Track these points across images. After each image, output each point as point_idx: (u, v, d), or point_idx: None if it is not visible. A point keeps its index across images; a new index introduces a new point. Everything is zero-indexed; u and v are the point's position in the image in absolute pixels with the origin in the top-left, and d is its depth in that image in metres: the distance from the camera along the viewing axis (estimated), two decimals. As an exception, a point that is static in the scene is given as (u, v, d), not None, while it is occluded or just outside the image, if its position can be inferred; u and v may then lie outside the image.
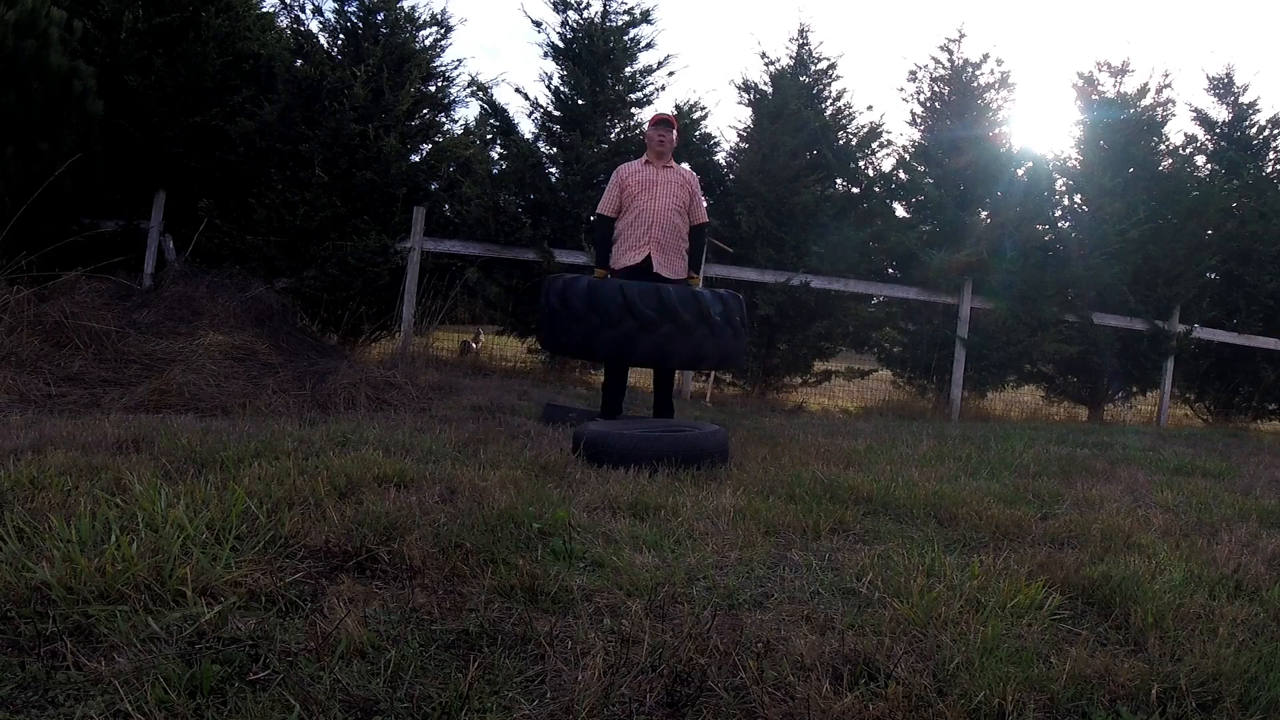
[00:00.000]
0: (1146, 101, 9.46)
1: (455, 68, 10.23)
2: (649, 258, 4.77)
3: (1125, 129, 9.20)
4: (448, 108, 8.57)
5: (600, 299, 4.27)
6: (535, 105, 8.36)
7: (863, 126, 8.58)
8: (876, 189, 8.52)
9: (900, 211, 8.81)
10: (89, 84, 5.90)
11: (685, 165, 5.21)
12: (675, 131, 4.94)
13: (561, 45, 8.27)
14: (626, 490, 2.57)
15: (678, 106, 8.13)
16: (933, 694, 1.32)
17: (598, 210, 4.97)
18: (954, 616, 1.64)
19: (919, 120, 9.43)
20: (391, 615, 1.50)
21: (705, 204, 5.08)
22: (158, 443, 2.78)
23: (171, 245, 7.21)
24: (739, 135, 8.81)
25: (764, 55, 9.05)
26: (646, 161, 4.88)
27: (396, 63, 7.76)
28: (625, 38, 8.30)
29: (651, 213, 4.79)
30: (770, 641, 1.47)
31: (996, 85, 9.13)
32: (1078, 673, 1.42)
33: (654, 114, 5.08)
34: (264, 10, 8.54)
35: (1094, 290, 8.27)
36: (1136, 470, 4.07)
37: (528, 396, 5.63)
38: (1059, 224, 9.28)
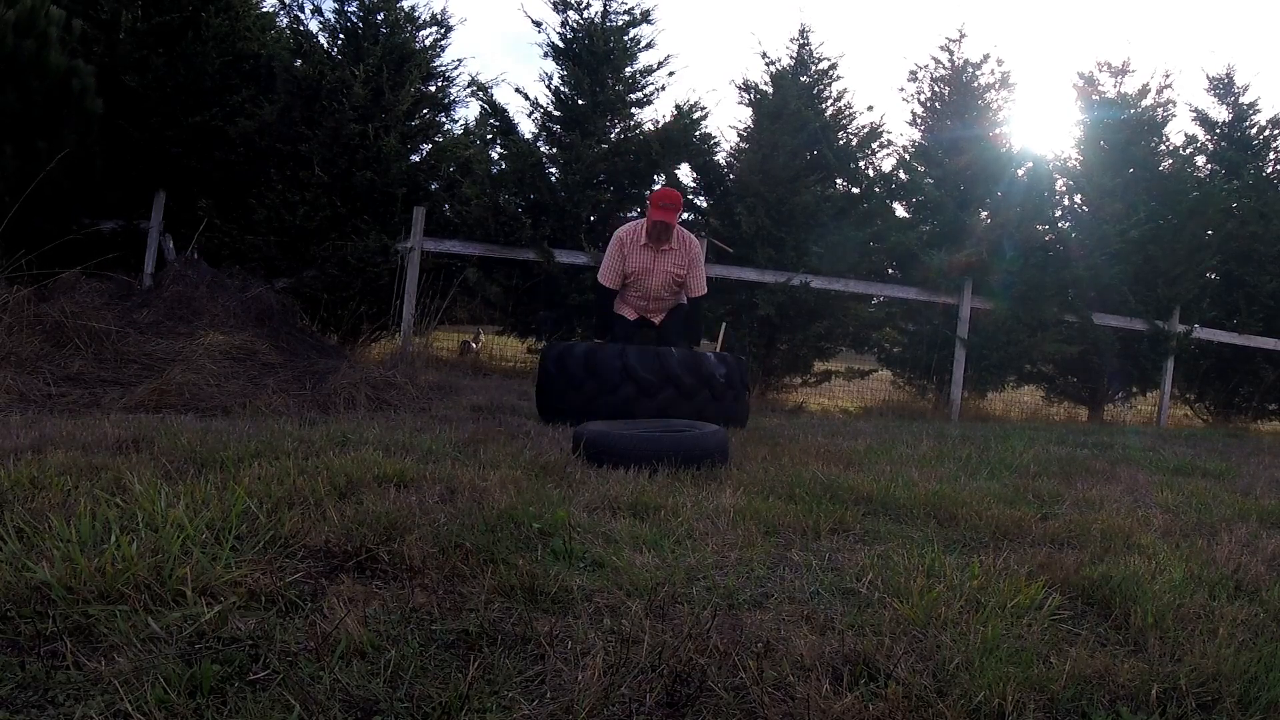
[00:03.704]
0: (1147, 102, 9.47)
1: (455, 68, 10.25)
2: (642, 318, 5.05)
3: (1125, 129, 9.20)
4: (448, 108, 8.58)
5: (599, 364, 4.28)
6: (535, 105, 8.38)
7: (863, 127, 8.59)
8: (877, 189, 8.52)
9: (900, 211, 8.82)
10: (88, 83, 5.90)
11: (686, 233, 4.98)
12: (679, 213, 4.80)
13: (561, 45, 8.28)
14: (626, 490, 2.56)
15: (678, 106, 8.14)
16: (933, 694, 1.32)
17: (600, 279, 4.98)
18: (954, 616, 1.64)
19: (919, 120, 9.44)
20: (391, 615, 1.50)
21: (705, 275, 5.11)
22: (158, 443, 2.78)
23: (171, 245, 7.21)
24: (739, 135, 8.82)
25: (764, 55, 9.07)
26: (645, 245, 4.80)
27: (396, 63, 7.77)
28: (625, 38, 8.31)
29: (647, 296, 4.97)
30: (770, 641, 1.47)
31: (997, 85, 9.15)
32: (1078, 673, 1.42)
33: (657, 191, 4.89)
34: (264, 10, 8.56)
35: (1094, 290, 8.27)
36: (1136, 470, 4.07)
37: (528, 396, 5.62)
38: (1059, 224, 9.29)
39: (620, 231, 4.91)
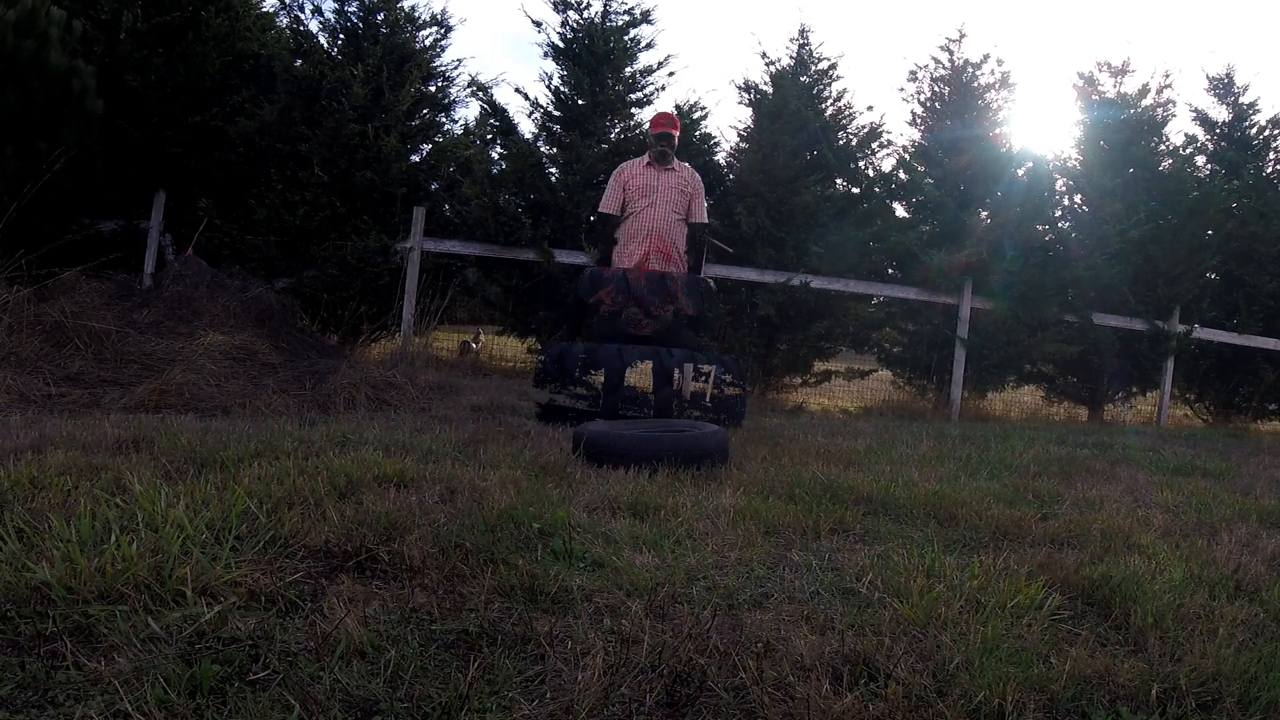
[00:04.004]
0: (1147, 102, 9.46)
1: (455, 68, 10.24)
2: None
3: (1125, 129, 9.20)
4: (448, 108, 8.58)
5: (598, 364, 4.29)
6: (535, 105, 8.38)
7: (863, 127, 8.59)
8: (877, 189, 8.52)
9: (900, 211, 8.81)
10: (88, 83, 5.90)
11: (688, 165, 5.14)
12: (678, 133, 4.90)
13: (561, 45, 8.28)
14: (626, 490, 2.56)
15: (678, 106, 8.13)
16: (933, 694, 1.32)
17: (600, 209, 4.98)
18: (954, 616, 1.64)
19: (919, 120, 9.44)
20: (391, 615, 1.50)
21: (706, 205, 5.07)
22: (158, 443, 2.78)
23: (171, 244, 7.22)
24: (739, 135, 8.82)
25: (764, 55, 9.08)
26: (648, 164, 4.85)
27: (396, 63, 7.76)
28: (625, 38, 8.31)
29: (651, 221, 4.83)
30: (770, 641, 1.47)
31: (997, 85, 9.14)
32: (1078, 673, 1.42)
33: (655, 114, 5.05)
34: (264, 10, 8.55)
35: (1094, 290, 8.26)
36: (1136, 470, 4.07)
37: (528, 396, 5.62)
38: (1059, 224, 9.29)
39: (621, 164, 4.98)
